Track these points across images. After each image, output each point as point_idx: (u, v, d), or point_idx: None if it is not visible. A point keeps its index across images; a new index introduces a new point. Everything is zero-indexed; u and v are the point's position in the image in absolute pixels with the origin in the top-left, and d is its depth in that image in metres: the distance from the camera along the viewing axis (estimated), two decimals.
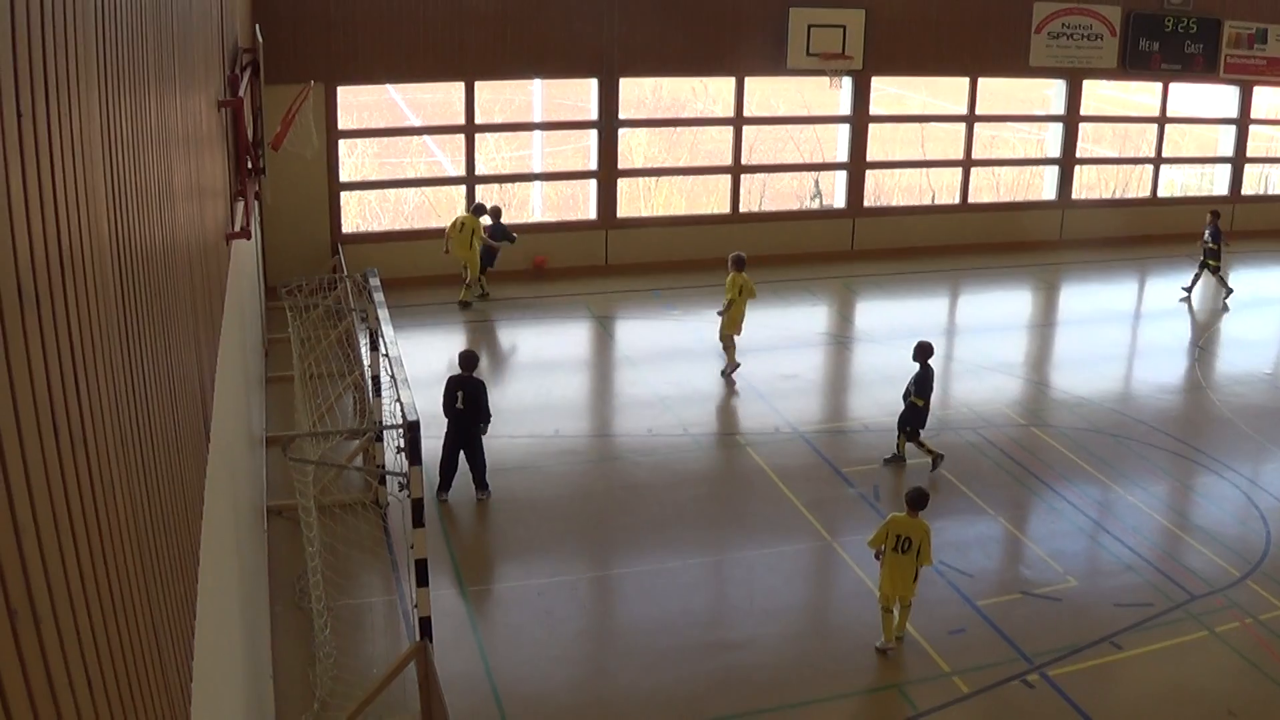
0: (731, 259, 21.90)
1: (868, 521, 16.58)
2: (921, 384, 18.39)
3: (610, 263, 27.18)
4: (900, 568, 13.83)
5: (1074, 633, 14.42)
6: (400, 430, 11.92)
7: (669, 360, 22.95)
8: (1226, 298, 27.55)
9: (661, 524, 16.63)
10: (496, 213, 25.50)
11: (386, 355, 13.96)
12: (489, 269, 25.23)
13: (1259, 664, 14.25)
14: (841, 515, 16.98)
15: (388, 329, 14.51)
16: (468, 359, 17.11)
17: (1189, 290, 27.67)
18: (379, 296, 15.62)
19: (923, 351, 18.53)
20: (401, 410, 12.09)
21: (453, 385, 16.92)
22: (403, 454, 11.82)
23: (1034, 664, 13.76)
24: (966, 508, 17.45)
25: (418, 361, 19.46)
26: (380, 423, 15.65)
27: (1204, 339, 25.73)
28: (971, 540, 16.57)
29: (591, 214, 27.56)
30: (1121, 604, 15.12)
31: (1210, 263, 27.58)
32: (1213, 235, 27.53)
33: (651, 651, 13.86)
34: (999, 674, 13.57)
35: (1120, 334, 26.03)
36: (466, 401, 16.70)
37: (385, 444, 15.33)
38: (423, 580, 11.73)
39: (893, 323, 24.66)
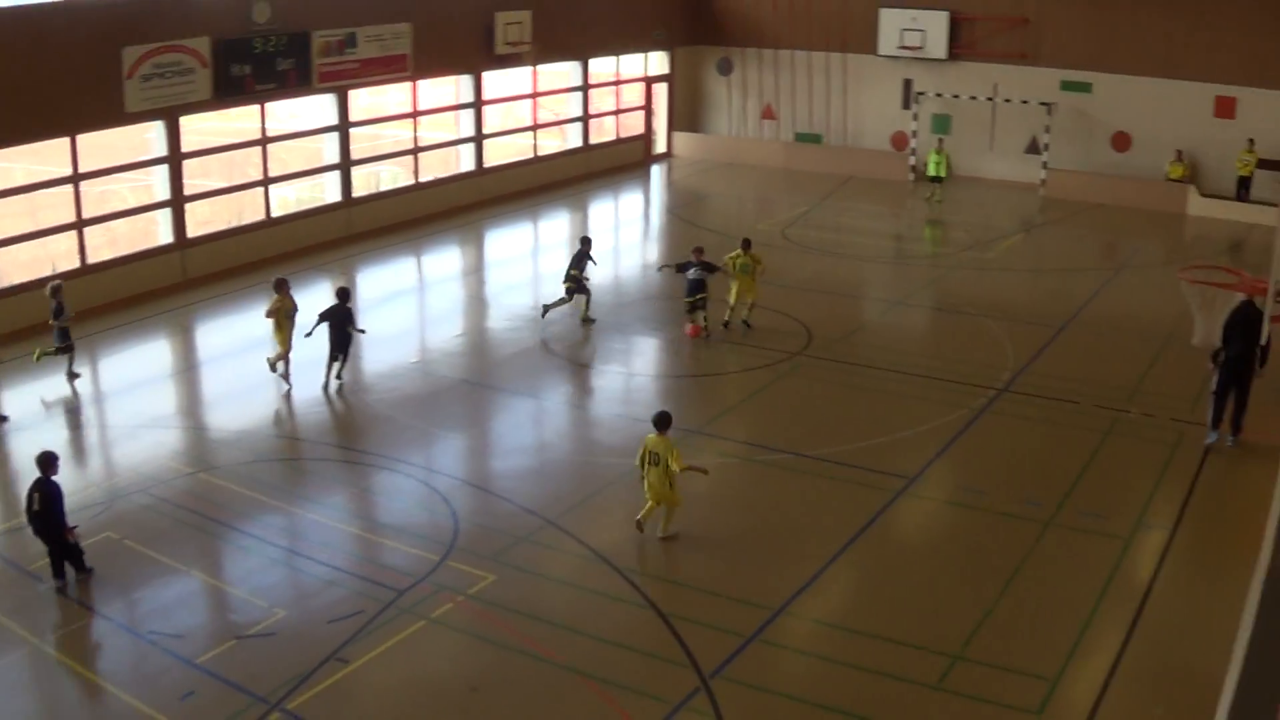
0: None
1: (68, 615, 15.67)
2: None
3: None
4: (654, 478, 17.05)
5: (298, 661, 14.44)
6: None
7: None
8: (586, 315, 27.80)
9: None
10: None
11: None
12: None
13: (483, 635, 15.06)
14: (41, 614, 15.71)
15: None
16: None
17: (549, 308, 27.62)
18: None
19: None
20: None
21: None
22: None
23: (271, 703, 13.66)
24: (158, 571, 16.77)
25: None
26: None
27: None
28: (172, 601, 16.01)
29: None
30: (335, 619, 15.33)
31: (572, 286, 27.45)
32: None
33: None
34: None
35: (260, 360, 25.94)
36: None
37: None
38: None
39: (34, 405, 23.15)
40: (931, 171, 40.96)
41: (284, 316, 23.42)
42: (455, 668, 14.51)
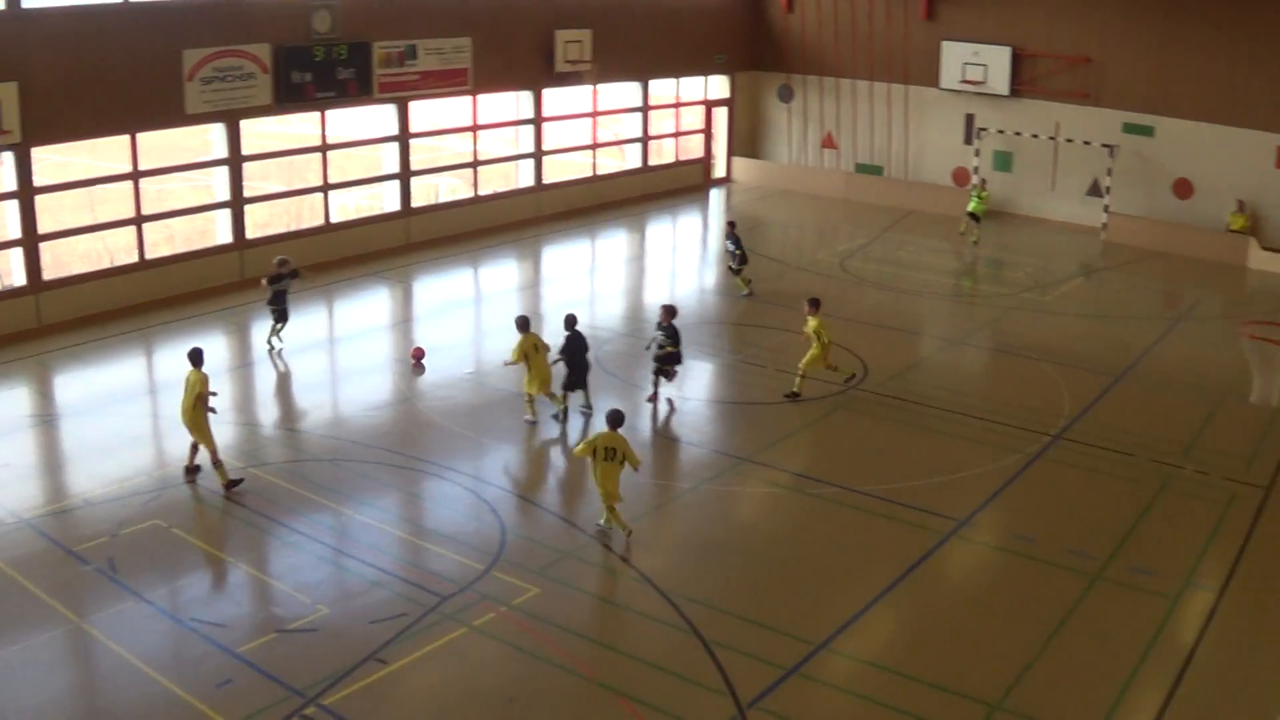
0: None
1: (111, 596, 15.88)
2: (571, 348, 22.48)
3: None
4: (611, 472, 17.60)
5: (337, 658, 14.55)
6: None
7: None
8: (748, 294, 31.37)
9: None
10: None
11: None
12: None
13: (523, 646, 15.04)
14: (85, 594, 16.02)
15: None
16: None
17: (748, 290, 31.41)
18: None
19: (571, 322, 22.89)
20: None
21: None
22: None
23: (307, 697, 13.77)
24: (202, 560, 17.17)
25: None
26: None
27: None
28: (215, 591, 16.37)
29: None
30: (377, 620, 15.43)
31: (732, 266, 31.29)
32: (734, 243, 31.13)
33: None
34: (276, 715, 13.46)
35: (317, 361, 26.33)
36: None
37: None
38: None
39: (94, 391, 23.69)
40: (970, 207, 39.61)
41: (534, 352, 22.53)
42: (493, 677, 14.51)
